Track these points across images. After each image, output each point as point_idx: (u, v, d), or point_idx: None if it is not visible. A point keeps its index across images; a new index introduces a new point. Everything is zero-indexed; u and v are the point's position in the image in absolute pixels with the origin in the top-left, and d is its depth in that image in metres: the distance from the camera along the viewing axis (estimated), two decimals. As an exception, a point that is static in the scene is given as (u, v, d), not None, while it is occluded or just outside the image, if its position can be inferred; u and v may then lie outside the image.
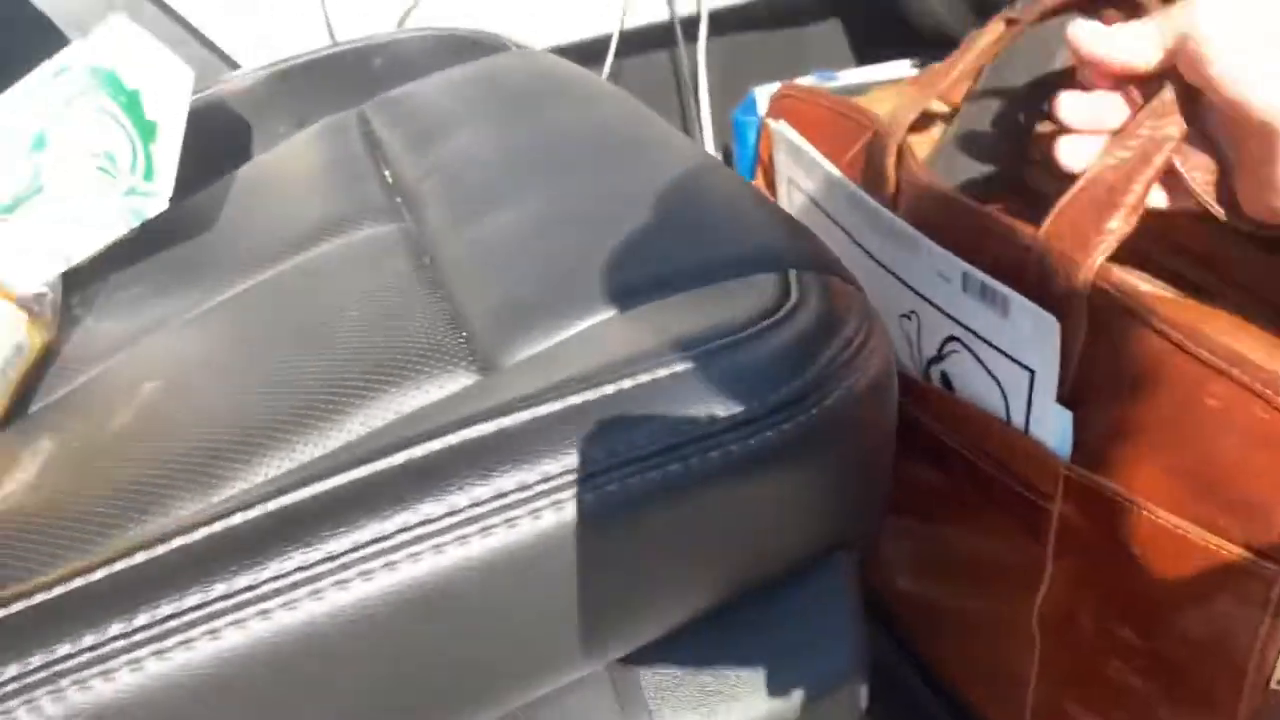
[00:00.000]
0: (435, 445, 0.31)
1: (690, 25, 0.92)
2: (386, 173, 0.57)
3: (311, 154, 0.62)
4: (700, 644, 0.37)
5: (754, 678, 0.37)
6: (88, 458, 0.40)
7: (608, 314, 0.38)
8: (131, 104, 0.51)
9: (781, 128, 0.58)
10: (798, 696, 0.38)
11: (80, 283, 0.54)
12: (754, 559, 0.36)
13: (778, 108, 0.62)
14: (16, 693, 0.28)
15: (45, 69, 0.55)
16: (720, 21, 0.93)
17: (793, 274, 0.38)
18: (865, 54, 1.09)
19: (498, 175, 0.51)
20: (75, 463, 0.40)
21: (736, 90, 0.98)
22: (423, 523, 0.29)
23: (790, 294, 0.36)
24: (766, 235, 0.42)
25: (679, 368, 0.34)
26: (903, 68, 1.00)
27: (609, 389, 0.33)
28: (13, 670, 0.29)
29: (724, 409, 0.33)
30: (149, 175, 0.51)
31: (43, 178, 0.49)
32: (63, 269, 0.50)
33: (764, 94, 0.99)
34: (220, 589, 0.29)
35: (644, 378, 0.34)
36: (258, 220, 0.57)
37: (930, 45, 1.01)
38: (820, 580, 0.37)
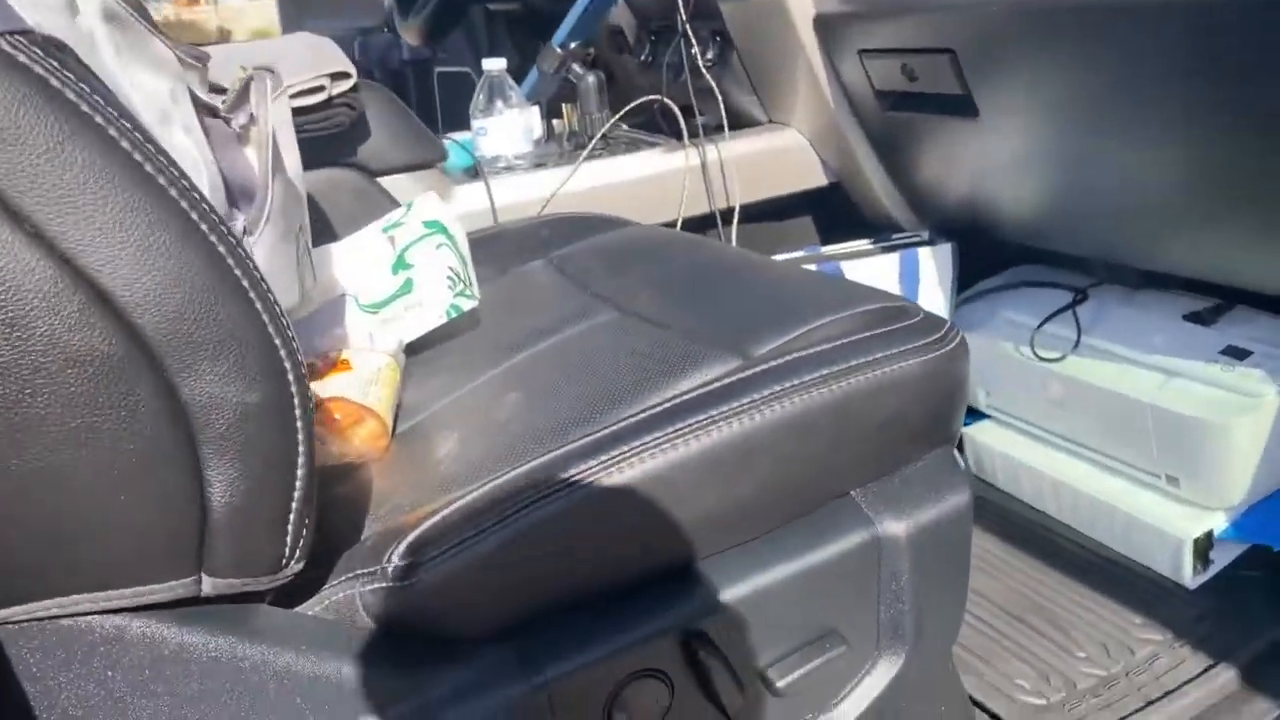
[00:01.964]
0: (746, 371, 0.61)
1: (727, 214, 1.29)
2: (589, 291, 0.87)
3: (525, 284, 0.92)
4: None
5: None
6: (491, 432, 0.66)
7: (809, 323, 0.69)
8: (454, 242, 0.81)
9: None
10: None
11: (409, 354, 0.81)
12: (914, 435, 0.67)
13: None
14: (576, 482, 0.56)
15: (376, 226, 0.85)
16: (745, 213, 1.32)
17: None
18: (829, 237, 1.50)
19: (682, 287, 0.82)
20: (485, 437, 0.66)
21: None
22: (748, 400, 0.59)
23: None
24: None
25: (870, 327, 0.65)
26: (861, 244, 1.40)
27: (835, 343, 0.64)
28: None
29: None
30: (469, 285, 0.80)
31: (415, 284, 0.77)
32: (411, 339, 0.78)
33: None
34: (627, 445, 0.58)
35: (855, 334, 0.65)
36: (509, 321, 0.86)
37: (876, 229, 1.43)
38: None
